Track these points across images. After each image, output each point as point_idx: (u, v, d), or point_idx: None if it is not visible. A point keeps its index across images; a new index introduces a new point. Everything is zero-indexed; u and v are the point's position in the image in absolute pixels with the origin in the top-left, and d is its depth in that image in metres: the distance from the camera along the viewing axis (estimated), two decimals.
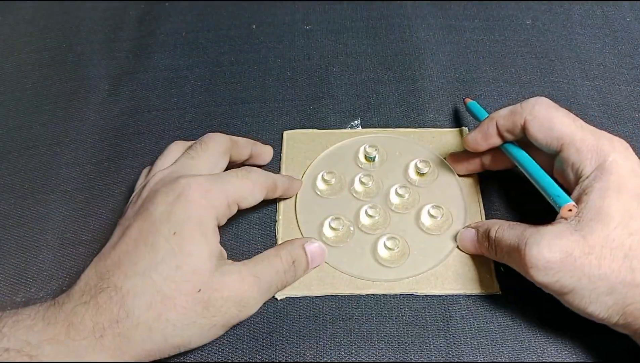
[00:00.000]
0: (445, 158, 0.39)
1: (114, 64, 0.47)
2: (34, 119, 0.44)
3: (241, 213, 0.34)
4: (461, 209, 0.37)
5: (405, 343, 0.32)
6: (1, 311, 0.27)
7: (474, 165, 0.38)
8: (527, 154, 0.34)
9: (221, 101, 0.44)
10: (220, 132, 0.42)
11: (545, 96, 0.37)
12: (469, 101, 0.41)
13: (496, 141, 0.35)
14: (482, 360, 0.31)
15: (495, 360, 0.31)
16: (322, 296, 0.33)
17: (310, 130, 0.42)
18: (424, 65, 0.46)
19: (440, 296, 0.33)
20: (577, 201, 0.29)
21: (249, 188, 0.33)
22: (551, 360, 0.31)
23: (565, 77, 0.44)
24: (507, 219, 0.36)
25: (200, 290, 0.28)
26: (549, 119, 0.32)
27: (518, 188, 0.38)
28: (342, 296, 0.34)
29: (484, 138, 0.35)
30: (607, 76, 0.45)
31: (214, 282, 0.29)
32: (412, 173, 0.38)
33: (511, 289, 0.33)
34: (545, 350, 0.31)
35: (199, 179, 0.31)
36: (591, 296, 0.27)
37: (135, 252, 0.28)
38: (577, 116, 0.33)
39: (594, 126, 0.32)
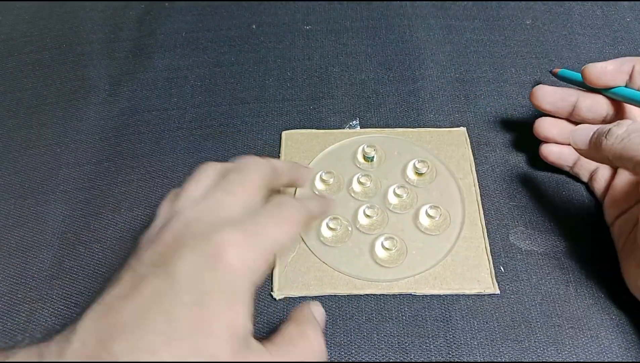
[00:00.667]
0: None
1: (114, 64, 0.47)
2: (34, 119, 0.44)
3: None
4: (459, 209, 0.37)
5: (405, 343, 0.32)
6: None
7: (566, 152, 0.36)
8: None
9: (221, 101, 0.44)
10: (220, 132, 0.42)
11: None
12: (558, 70, 0.40)
13: (623, 79, 0.34)
14: (482, 360, 0.31)
15: (495, 360, 0.31)
16: (321, 296, 0.33)
17: (309, 130, 0.42)
18: (424, 65, 0.46)
19: (439, 296, 0.33)
20: None
21: (289, 233, 0.26)
22: (551, 360, 0.31)
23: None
24: (506, 219, 0.36)
25: None
26: None
27: (518, 187, 0.38)
28: (341, 296, 0.34)
29: (615, 70, 0.34)
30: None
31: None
32: (410, 173, 0.38)
33: (511, 289, 0.33)
34: (545, 350, 0.31)
35: (236, 236, 0.24)
36: None
37: (146, 319, 0.22)
38: None
39: None
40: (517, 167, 0.39)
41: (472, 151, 0.40)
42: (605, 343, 0.31)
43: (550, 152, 0.37)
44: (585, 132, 0.31)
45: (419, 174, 0.38)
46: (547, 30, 0.48)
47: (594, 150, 0.31)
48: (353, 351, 0.31)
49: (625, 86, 0.35)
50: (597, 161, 0.32)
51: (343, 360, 0.31)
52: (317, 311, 0.28)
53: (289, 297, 0.33)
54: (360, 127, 0.42)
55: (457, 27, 0.49)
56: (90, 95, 0.45)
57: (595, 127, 0.31)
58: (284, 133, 0.41)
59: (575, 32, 0.48)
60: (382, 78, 0.45)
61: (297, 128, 0.42)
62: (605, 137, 0.29)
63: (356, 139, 0.41)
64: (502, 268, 0.34)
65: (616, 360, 0.31)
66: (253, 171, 0.28)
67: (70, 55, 0.48)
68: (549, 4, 0.50)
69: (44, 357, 0.22)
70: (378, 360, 0.31)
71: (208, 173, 0.29)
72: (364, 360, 0.31)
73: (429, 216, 0.36)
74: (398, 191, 0.37)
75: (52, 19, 0.52)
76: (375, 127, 0.42)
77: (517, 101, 0.43)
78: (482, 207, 0.37)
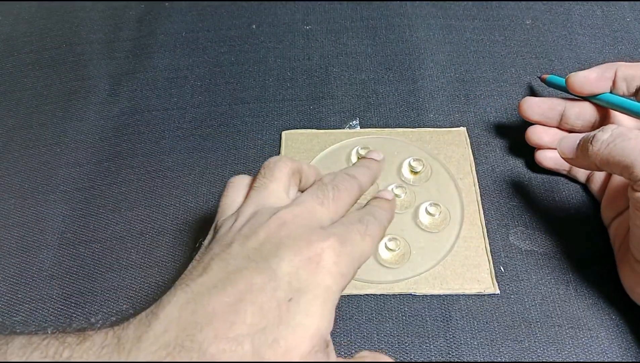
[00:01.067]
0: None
1: (114, 64, 0.47)
2: (34, 119, 0.44)
3: None
4: (458, 206, 0.37)
5: (405, 343, 0.32)
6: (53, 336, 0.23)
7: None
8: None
9: (221, 101, 0.44)
10: (220, 132, 0.42)
11: (545, 97, 0.38)
12: (547, 76, 0.41)
13: (606, 86, 0.35)
14: (482, 360, 0.31)
15: (495, 360, 0.31)
16: None
17: (309, 130, 0.42)
18: (424, 65, 0.46)
19: (440, 296, 0.33)
20: None
21: (371, 247, 0.28)
22: (551, 360, 0.31)
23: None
24: (506, 219, 0.36)
25: None
26: None
27: (518, 188, 0.38)
28: (341, 296, 0.33)
29: (598, 78, 0.34)
30: None
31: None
32: (406, 171, 0.38)
33: (511, 289, 0.33)
34: (545, 350, 0.31)
35: (333, 243, 0.25)
36: None
37: (238, 311, 0.23)
38: None
39: None
40: (517, 167, 0.39)
41: (472, 151, 0.40)
42: (605, 343, 0.31)
43: (545, 158, 0.38)
44: (571, 140, 0.32)
45: (415, 172, 0.38)
46: (547, 30, 0.48)
47: (582, 158, 0.31)
48: (353, 351, 0.31)
49: (610, 92, 0.35)
50: (586, 168, 0.33)
51: (343, 360, 0.31)
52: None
53: None
54: (360, 127, 0.42)
55: (457, 27, 0.49)
56: (90, 95, 0.45)
57: (581, 135, 0.31)
58: (284, 133, 0.41)
59: (575, 32, 0.48)
60: (382, 78, 0.45)
61: (297, 128, 0.42)
62: (591, 143, 0.29)
63: (355, 140, 0.41)
64: (502, 268, 0.34)
65: (616, 360, 0.31)
66: (346, 192, 0.30)
67: (70, 55, 0.48)
68: (549, 4, 0.50)
69: (121, 340, 0.22)
70: None
71: (286, 174, 0.30)
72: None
73: (428, 213, 0.36)
74: (396, 191, 0.37)
75: (52, 19, 0.52)
76: (375, 127, 0.42)
77: (517, 101, 0.43)
78: (482, 207, 0.37)
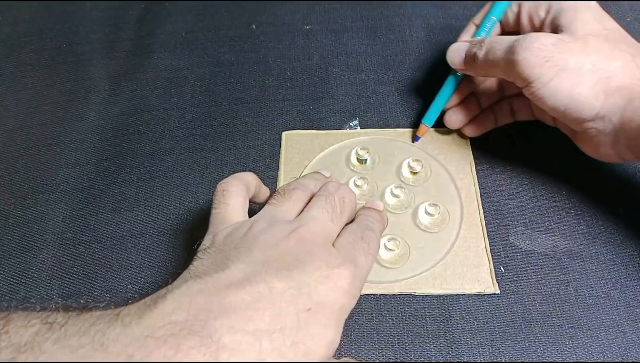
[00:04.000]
0: (437, 157, 0.39)
1: (114, 64, 0.47)
2: (34, 119, 0.44)
3: None
4: (457, 206, 0.37)
5: (405, 343, 0.32)
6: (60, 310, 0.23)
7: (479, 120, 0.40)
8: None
9: (221, 101, 0.44)
10: (220, 132, 0.42)
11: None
12: (423, 127, 0.40)
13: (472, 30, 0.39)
14: (482, 360, 0.31)
15: (495, 360, 0.31)
16: None
17: (309, 131, 0.42)
18: (424, 65, 0.46)
19: (440, 296, 0.33)
20: (553, 28, 0.34)
21: (372, 264, 0.29)
22: (551, 360, 0.31)
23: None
24: (506, 219, 0.36)
25: None
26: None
27: (518, 187, 0.38)
28: None
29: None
30: None
31: None
32: (405, 172, 0.38)
33: (511, 289, 0.33)
34: (545, 350, 0.31)
35: (349, 265, 0.26)
36: (577, 76, 0.31)
37: (255, 307, 0.23)
38: None
39: None
40: (517, 167, 0.39)
41: (472, 151, 0.40)
42: (605, 343, 0.31)
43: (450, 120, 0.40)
44: (458, 50, 0.36)
45: (414, 173, 0.38)
46: None
47: (468, 67, 0.36)
48: (353, 351, 0.31)
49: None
50: (475, 75, 0.38)
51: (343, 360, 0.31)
52: None
53: None
54: (360, 128, 0.42)
55: (457, 27, 0.48)
56: (90, 95, 0.45)
57: (465, 45, 0.36)
58: (284, 134, 0.41)
59: None
60: (382, 78, 0.45)
61: (297, 128, 0.42)
62: (476, 54, 0.35)
63: (355, 140, 0.41)
64: (502, 268, 0.34)
65: (616, 360, 0.31)
66: (350, 205, 0.31)
67: (70, 55, 0.48)
68: None
69: (120, 315, 0.22)
70: (378, 360, 0.31)
71: (309, 189, 0.32)
72: (364, 360, 0.31)
73: (428, 213, 0.36)
74: (395, 191, 0.37)
75: (52, 19, 0.52)
76: (375, 128, 0.42)
77: None
78: (482, 207, 0.37)
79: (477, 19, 0.39)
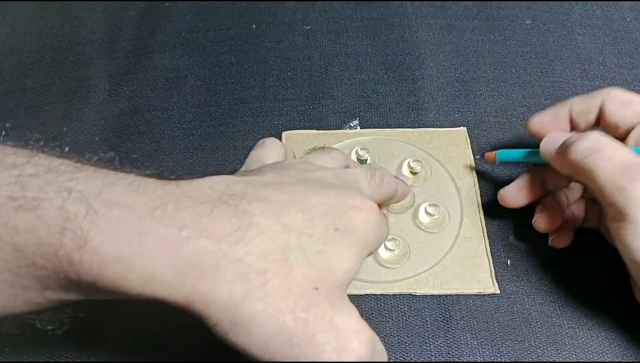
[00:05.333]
0: (449, 170, 0.39)
1: (114, 64, 0.47)
2: (34, 119, 0.44)
3: None
4: (457, 206, 0.37)
5: (405, 343, 0.32)
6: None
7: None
8: None
9: (221, 101, 0.44)
10: (220, 132, 0.42)
11: (545, 96, 0.38)
12: (494, 153, 0.37)
13: (564, 125, 0.33)
14: (482, 360, 0.31)
15: (495, 360, 0.31)
16: None
17: (309, 131, 0.42)
18: (424, 65, 0.46)
19: (440, 296, 0.33)
20: None
21: (384, 238, 0.29)
22: (551, 360, 0.31)
23: (565, 77, 0.44)
24: (506, 219, 0.36)
25: (317, 289, 0.22)
26: (628, 96, 0.31)
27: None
28: None
29: (553, 120, 0.32)
30: (607, 76, 0.45)
31: (336, 299, 0.22)
32: (405, 172, 0.38)
33: (511, 289, 0.33)
34: (545, 350, 0.31)
35: (377, 207, 0.26)
36: None
37: (289, 205, 0.23)
38: None
39: None
40: (517, 167, 0.39)
41: (472, 151, 0.40)
42: (605, 343, 0.31)
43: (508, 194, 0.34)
44: (555, 139, 0.30)
45: (414, 173, 0.38)
46: (547, 30, 0.48)
47: (559, 161, 0.30)
48: None
49: (571, 130, 0.33)
50: (563, 173, 0.31)
51: None
52: None
53: None
54: (360, 128, 0.42)
55: (457, 27, 0.48)
56: (90, 95, 0.45)
57: (567, 135, 0.30)
58: (284, 133, 0.41)
59: (575, 32, 0.48)
60: (382, 78, 0.45)
61: (297, 128, 0.42)
62: (568, 151, 0.28)
63: (355, 141, 0.41)
64: (502, 268, 0.34)
65: (616, 360, 0.31)
66: (387, 187, 0.30)
67: (70, 55, 0.48)
68: (549, 4, 0.50)
69: (160, 178, 0.23)
70: None
71: (341, 158, 0.32)
72: None
73: (428, 214, 0.36)
74: None
75: (52, 19, 0.52)
76: (375, 128, 0.42)
77: (517, 101, 0.43)
78: (482, 207, 0.37)
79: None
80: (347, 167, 0.31)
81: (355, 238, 0.24)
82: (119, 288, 0.20)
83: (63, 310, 0.24)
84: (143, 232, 0.20)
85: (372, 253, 0.28)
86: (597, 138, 0.28)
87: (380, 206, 0.33)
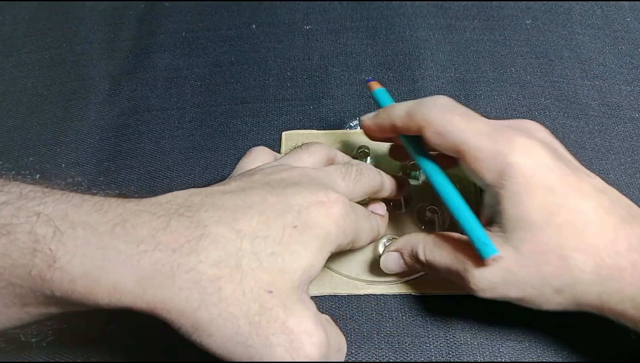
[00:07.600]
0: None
1: (114, 64, 0.47)
2: (34, 119, 0.44)
3: None
4: None
5: (405, 343, 0.32)
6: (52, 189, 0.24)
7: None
8: (437, 170, 0.30)
9: (221, 101, 0.44)
10: (220, 132, 0.42)
11: (545, 96, 0.37)
12: (376, 87, 0.35)
13: (392, 135, 0.32)
14: (482, 360, 0.31)
15: (495, 360, 0.31)
16: (320, 296, 0.33)
17: (309, 131, 0.42)
18: (424, 65, 0.46)
19: (440, 296, 0.33)
20: (493, 210, 0.28)
21: (368, 236, 0.29)
22: (551, 360, 0.31)
23: (565, 77, 0.44)
24: None
25: (271, 292, 0.23)
26: (444, 126, 0.28)
27: None
28: (341, 296, 0.34)
29: (378, 130, 0.32)
30: (607, 76, 0.45)
31: (291, 302, 0.23)
32: (405, 172, 0.38)
33: None
34: (545, 350, 0.31)
35: (345, 199, 0.27)
36: (541, 299, 0.27)
37: (244, 211, 0.24)
38: (573, 115, 0.32)
39: (590, 125, 0.32)
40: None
41: None
42: (605, 343, 0.31)
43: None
44: (393, 259, 0.32)
45: (413, 173, 0.38)
46: (547, 30, 0.48)
47: (412, 268, 0.32)
48: (353, 351, 0.31)
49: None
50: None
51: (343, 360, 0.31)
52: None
53: None
54: (360, 128, 0.42)
55: (457, 27, 0.49)
56: (90, 95, 0.45)
57: (396, 255, 0.31)
58: (284, 133, 0.41)
59: (575, 32, 0.48)
60: (382, 78, 0.45)
61: (297, 128, 0.42)
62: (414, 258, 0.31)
63: (356, 140, 0.41)
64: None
65: (617, 360, 0.31)
66: (368, 179, 0.30)
67: (70, 55, 0.48)
68: (549, 4, 0.50)
69: (121, 198, 0.24)
70: (378, 360, 0.31)
71: (320, 154, 0.32)
72: (364, 360, 0.31)
73: (428, 214, 0.36)
74: None
75: (52, 18, 0.52)
76: None
77: (517, 101, 0.43)
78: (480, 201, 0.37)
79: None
80: (330, 160, 0.32)
81: (315, 234, 0.25)
82: (89, 300, 0.22)
83: (46, 323, 0.25)
84: (105, 249, 0.22)
85: (349, 246, 0.28)
86: (416, 241, 0.31)
87: (372, 203, 0.34)
